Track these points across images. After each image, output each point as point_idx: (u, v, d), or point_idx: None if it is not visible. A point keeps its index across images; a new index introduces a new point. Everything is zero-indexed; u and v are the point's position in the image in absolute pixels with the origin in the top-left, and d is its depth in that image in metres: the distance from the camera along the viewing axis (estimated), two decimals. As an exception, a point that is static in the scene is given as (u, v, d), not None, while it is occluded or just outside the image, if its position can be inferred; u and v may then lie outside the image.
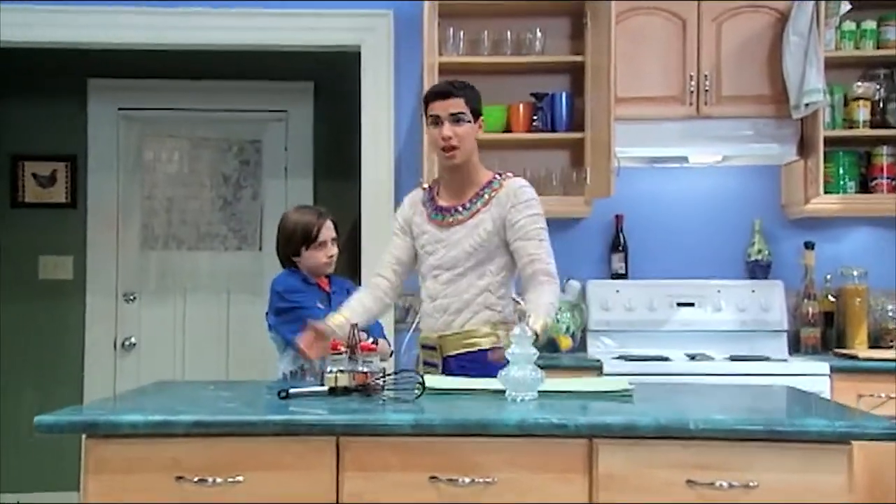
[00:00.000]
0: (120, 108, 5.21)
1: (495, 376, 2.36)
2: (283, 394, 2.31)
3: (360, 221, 4.27)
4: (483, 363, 2.70)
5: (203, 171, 5.31)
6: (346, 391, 2.35)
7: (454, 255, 2.89)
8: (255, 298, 5.16)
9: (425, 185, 3.11)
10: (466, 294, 2.87)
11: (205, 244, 5.28)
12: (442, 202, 2.96)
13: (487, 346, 2.82)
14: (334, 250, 3.22)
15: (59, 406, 2.12)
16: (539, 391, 2.32)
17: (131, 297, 5.18)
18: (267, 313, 3.19)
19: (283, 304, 3.11)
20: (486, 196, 2.91)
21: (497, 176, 2.96)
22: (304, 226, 3.18)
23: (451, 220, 2.91)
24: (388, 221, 4.16)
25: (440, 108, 2.86)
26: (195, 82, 5.14)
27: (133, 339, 5.17)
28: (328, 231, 3.20)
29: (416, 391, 2.30)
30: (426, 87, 3.79)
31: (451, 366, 2.83)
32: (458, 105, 2.85)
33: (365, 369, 2.40)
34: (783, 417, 2.17)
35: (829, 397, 3.51)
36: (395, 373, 2.42)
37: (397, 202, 4.18)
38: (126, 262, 5.19)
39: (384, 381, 2.37)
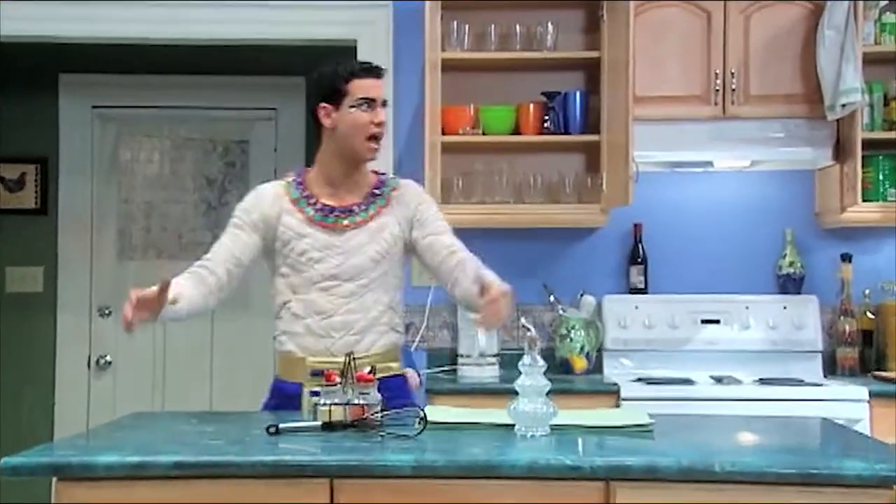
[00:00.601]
0: (94, 106, 5.20)
1: (413, 404, 2.37)
2: (273, 429, 2.30)
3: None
4: (396, 389, 2.67)
5: (185, 173, 5.31)
6: (340, 426, 2.34)
7: (357, 264, 2.74)
8: (242, 314, 5.16)
9: (291, 178, 2.84)
10: (373, 311, 2.75)
11: (187, 253, 5.25)
12: (327, 201, 2.78)
13: (400, 372, 2.80)
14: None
15: (27, 433, 2.12)
16: (551, 425, 2.31)
17: (107, 312, 5.18)
18: None
19: None
20: (385, 196, 2.81)
21: (381, 174, 2.88)
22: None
23: (346, 222, 2.75)
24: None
25: (374, 88, 2.72)
26: (176, 77, 5.14)
27: (108, 358, 5.17)
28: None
29: (417, 426, 2.29)
30: (428, 86, 3.80)
31: None
32: (383, 88, 2.77)
33: (361, 402, 2.39)
34: (818, 458, 2.15)
35: (867, 425, 3.51)
36: (396, 408, 2.40)
37: (396, 209, 4.20)
38: (101, 273, 5.18)
39: (382, 415, 2.36)
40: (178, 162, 5.31)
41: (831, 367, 4.03)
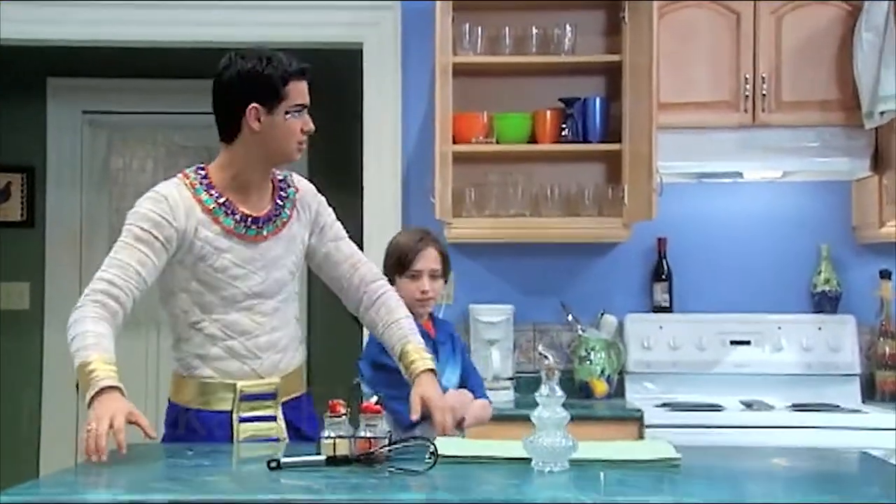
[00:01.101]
0: (85, 112, 5.24)
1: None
2: (274, 464, 2.30)
3: (362, 241, 4.28)
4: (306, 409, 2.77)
5: (180, 183, 5.31)
6: (346, 461, 2.34)
7: (279, 278, 2.67)
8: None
9: (193, 178, 2.62)
10: (291, 325, 2.74)
11: (182, 268, 5.28)
12: (242, 208, 2.62)
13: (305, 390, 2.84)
14: (431, 286, 3.04)
15: (12, 459, 2.12)
16: (570, 460, 2.31)
17: (97, 330, 5.19)
18: (361, 359, 3.06)
19: (378, 357, 2.93)
20: (291, 199, 2.71)
21: (274, 171, 2.71)
22: (400, 248, 3.08)
23: (265, 233, 2.64)
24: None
25: (306, 93, 2.61)
26: (171, 82, 5.17)
27: (99, 379, 5.16)
28: (426, 260, 3.05)
29: (428, 461, 2.29)
30: (438, 92, 3.81)
31: (286, 415, 2.73)
32: None
33: (368, 434, 2.38)
34: (856, 500, 2.14)
35: (909, 455, 3.50)
36: (403, 439, 2.40)
37: (405, 220, 4.23)
38: (91, 288, 5.19)
39: (391, 448, 2.35)
40: (173, 170, 5.24)
41: (870, 392, 4.02)
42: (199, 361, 2.65)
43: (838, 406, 3.83)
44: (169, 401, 2.75)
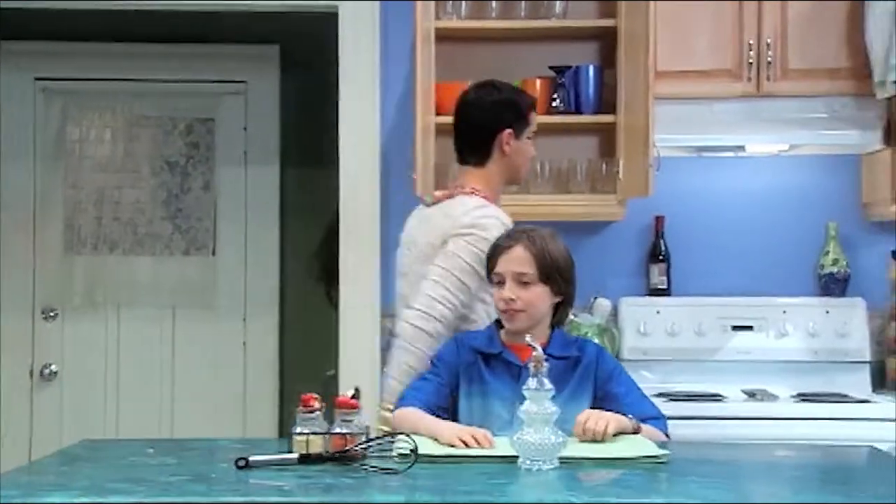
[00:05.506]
0: (38, 78, 5.19)
1: None
2: (243, 462, 2.31)
3: (338, 220, 4.28)
4: None
5: (142, 156, 5.29)
6: (320, 459, 2.35)
7: None
8: (206, 315, 5.19)
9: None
10: None
11: (144, 248, 5.27)
12: None
13: None
14: (518, 293, 2.77)
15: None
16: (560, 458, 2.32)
17: (51, 315, 5.18)
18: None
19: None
20: None
21: None
22: (489, 249, 2.89)
23: None
24: (373, 220, 4.23)
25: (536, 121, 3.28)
26: (132, 46, 5.13)
27: (54, 367, 5.17)
28: (510, 262, 2.80)
29: (407, 459, 2.30)
30: (420, 60, 3.79)
31: None
32: None
33: (343, 431, 2.39)
34: (863, 500, 2.16)
35: (921, 447, 3.53)
36: (381, 436, 2.41)
37: (384, 198, 4.22)
38: (45, 270, 5.18)
39: (367, 446, 2.36)
40: (134, 143, 5.30)
41: (880, 380, 4.06)
42: None
43: (846, 395, 3.86)
44: None
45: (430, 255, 3.07)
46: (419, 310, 2.98)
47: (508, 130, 3.13)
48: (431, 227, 3.14)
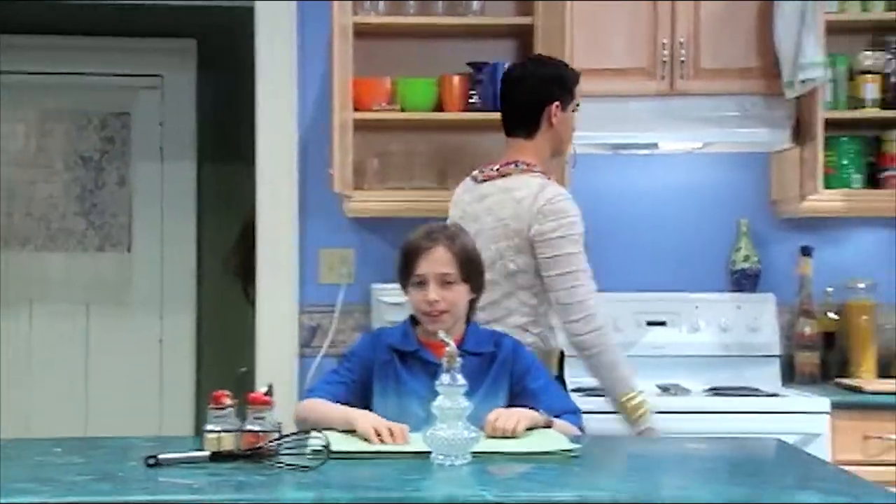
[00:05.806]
0: (-56, 71, 5.10)
1: None
2: (153, 460, 2.29)
3: (256, 216, 4.25)
4: None
5: (55, 150, 5.24)
6: (231, 457, 2.33)
7: None
8: (121, 312, 5.14)
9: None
10: None
11: (57, 244, 5.21)
12: None
13: None
14: (442, 294, 2.75)
15: None
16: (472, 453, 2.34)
17: (-39, 313, 5.10)
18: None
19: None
20: None
21: None
22: (405, 249, 2.83)
23: None
24: (290, 215, 4.20)
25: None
26: (46, 38, 5.07)
27: (-37, 367, 5.09)
28: (432, 263, 2.77)
29: (319, 456, 2.30)
30: (337, 55, 3.78)
31: None
32: None
33: (256, 428, 2.38)
34: (771, 490, 2.20)
35: (828, 439, 3.60)
36: (293, 433, 2.40)
37: (301, 194, 4.20)
38: (-46, 267, 5.10)
39: (279, 443, 2.36)
40: (47, 137, 5.24)
41: (790, 374, 4.11)
42: (551, 333, 3.25)
43: (757, 389, 3.91)
44: None
45: (502, 235, 3.18)
46: (581, 317, 3.13)
47: (556, 103, 3.25)
48: (499, 207, 3.22)
